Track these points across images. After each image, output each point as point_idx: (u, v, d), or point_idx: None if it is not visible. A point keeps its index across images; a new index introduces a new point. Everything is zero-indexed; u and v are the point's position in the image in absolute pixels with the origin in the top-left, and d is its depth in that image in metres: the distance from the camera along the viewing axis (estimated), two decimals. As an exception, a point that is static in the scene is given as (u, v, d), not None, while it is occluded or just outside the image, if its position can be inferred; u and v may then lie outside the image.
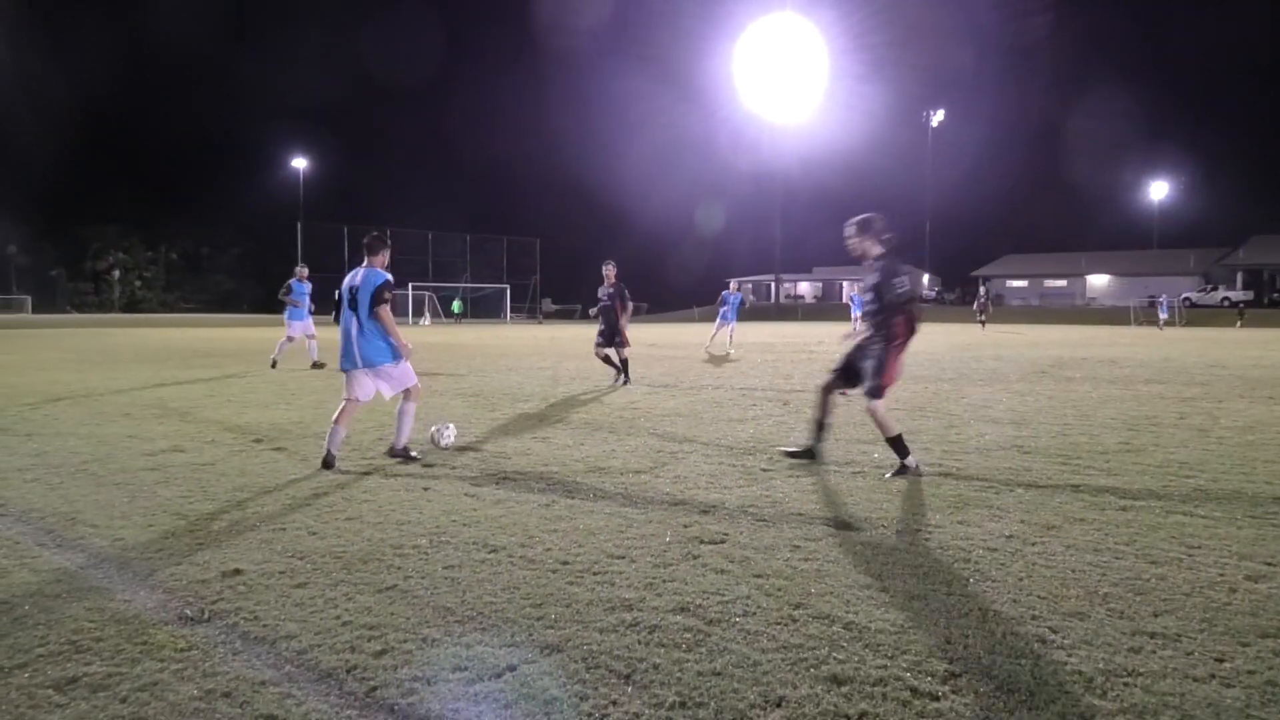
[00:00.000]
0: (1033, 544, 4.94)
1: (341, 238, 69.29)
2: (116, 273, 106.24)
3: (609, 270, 14.37)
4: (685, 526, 5.31)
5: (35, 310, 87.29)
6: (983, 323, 41.67)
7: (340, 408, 7.34)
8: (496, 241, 78.73)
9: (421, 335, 37.42)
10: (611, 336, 14.34)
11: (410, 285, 64.88)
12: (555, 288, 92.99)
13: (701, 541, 4.99)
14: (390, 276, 7.44)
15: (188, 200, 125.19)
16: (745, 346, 26.14)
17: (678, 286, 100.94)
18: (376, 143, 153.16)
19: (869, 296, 6.82)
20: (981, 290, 43.69)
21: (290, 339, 18.16)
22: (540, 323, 66.23)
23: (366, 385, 7.36)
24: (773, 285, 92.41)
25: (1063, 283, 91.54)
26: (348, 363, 7.31)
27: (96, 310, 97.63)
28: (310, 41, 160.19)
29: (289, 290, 18.15)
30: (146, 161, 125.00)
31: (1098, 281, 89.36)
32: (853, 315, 26.54)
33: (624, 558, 4.70)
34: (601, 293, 14.45)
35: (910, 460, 6.83)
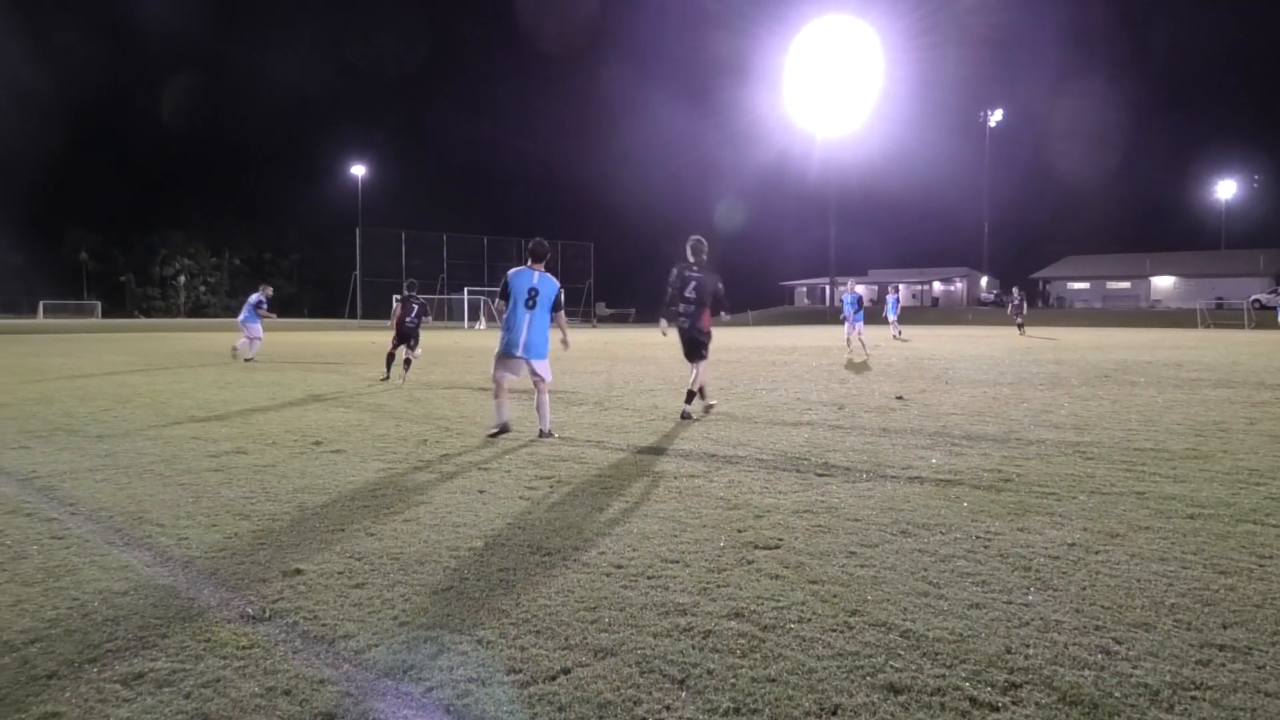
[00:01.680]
0: (1096, 552, 4.83)
1: (399, 243, 70.32)
2: (182, 278, 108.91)
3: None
4: (739, 531, 5.29)
5: (105, 315, 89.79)
6: (1020, 325, 40.06)
7: (495, 387, 9.05)
8: (551, 246, 79.37)
9: (478, 339, 37.78)
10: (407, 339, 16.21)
11: (466, 290, 65.50)
12: (609, 291, 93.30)
13: (756, 546, 4.96)
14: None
15: (251, 207, 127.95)
16: (800, 350, 25.99)
17: (731, 290, 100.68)
18: (431, 148, 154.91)
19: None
20: (1015, 292, 42.05)
21: (255, 339, 21.65)
22: (594, 327, 66.37)
23: (521, 369, 8.94)
24: (827, 289, 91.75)
25: (1126, 285, 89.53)
26: (513, 348, 8.75)
27: (163, 315, 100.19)
28: (366, 50, 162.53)
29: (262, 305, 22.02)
30: (211, 169, 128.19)
31: (1162, 283, 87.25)
32: (845, 317, 25.27)
33: (678, 562, 4.69)
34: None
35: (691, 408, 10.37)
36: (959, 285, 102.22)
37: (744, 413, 10.82)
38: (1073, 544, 4.98)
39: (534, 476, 6.97)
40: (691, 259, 10.57)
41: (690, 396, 10.55)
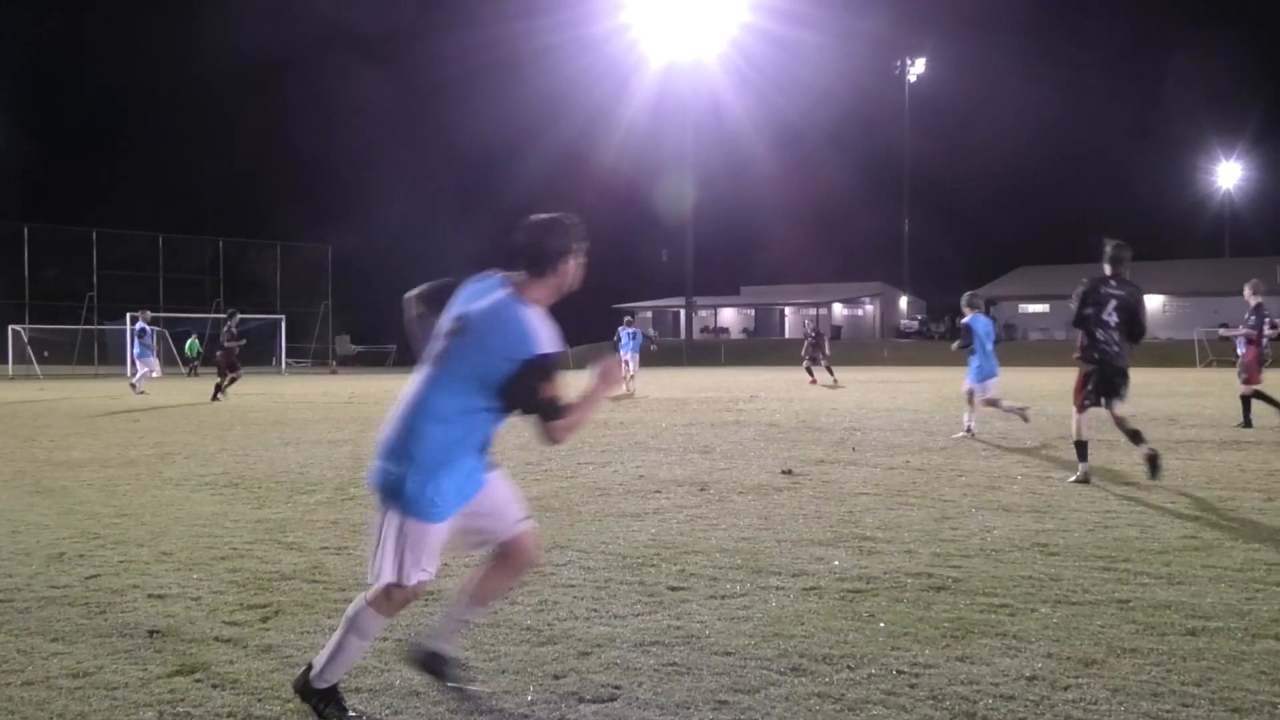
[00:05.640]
0: (1065, 688, 5.04)
1: (20, 243, 67.25)
2: None
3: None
4: (556, 678, 5.27)
5: None
6: (810, 369, 38.80)
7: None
8: (266, 249, 77.51)
9: (147, 394, 36.48)
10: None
11: (129, 316, 63.17)
12: (354, 318, 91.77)
13: (581, 699, 4.96)
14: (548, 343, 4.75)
15: None
16: (645, 404, 26.27)
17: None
18: (62, 94, 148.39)
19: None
20: (807, 322, 40.78)
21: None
22: (334, 372, 65.14)
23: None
24: (682, 315, 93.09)
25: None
26: (377, 484, 4.88)
27: None
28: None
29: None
30: None
31: (1148, 304, 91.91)
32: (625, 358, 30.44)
33: (462, 728, 4.62)
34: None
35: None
36: (870, 309, 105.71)
37: (560, 498, 10.83)
38: (1033, 677, 5.18)
39: (238, 604, 6.76)
40: (1110, 271, 11.89)
41: (1137, 436, 11.72)
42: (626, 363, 33.19)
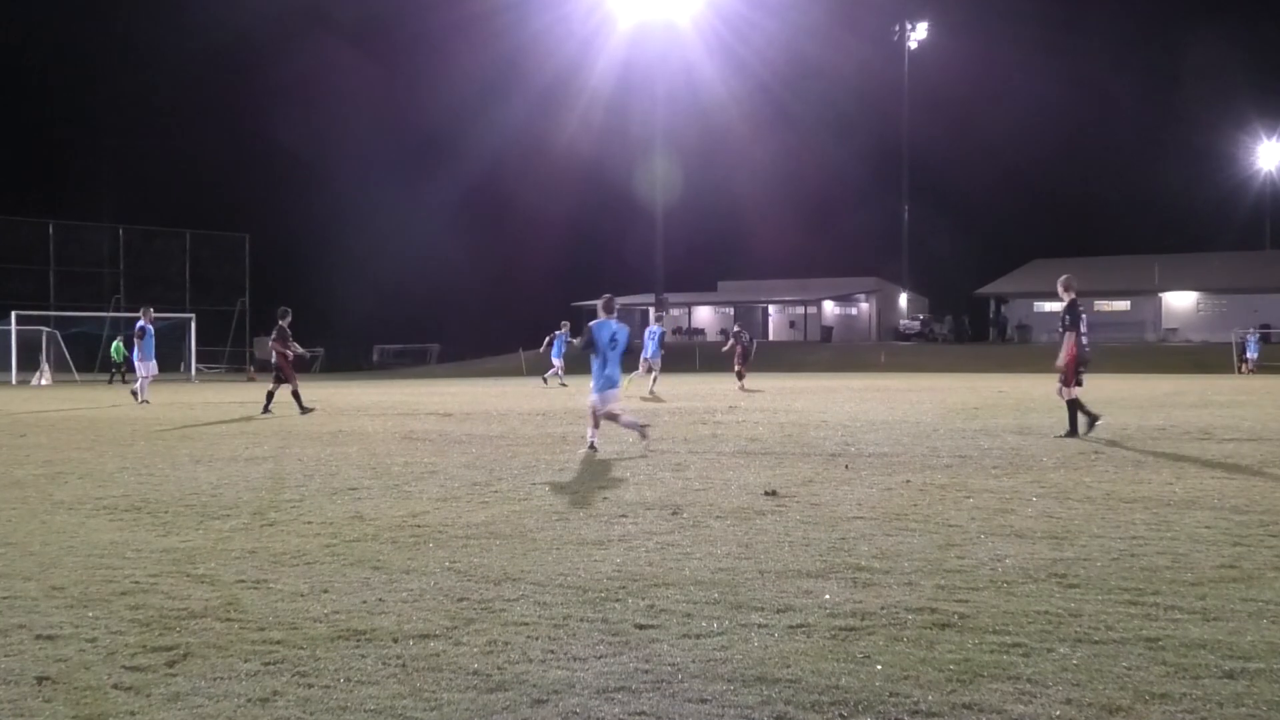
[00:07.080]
0: (1086, 738, 5.05)
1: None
2: None
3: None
4: (506, 728, 5.25)
5: None
6: (740, 373, 41.02)
7: None
8: (173, 238, 77.16)
9: (34, 402, 36.23)
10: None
11: (14, 315, 62.78)
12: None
13: (534, 753, 4.94)
14: None
15: None
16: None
17: (490, 320, 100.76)
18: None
19: None
20: (736, 327, 44.13)
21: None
22: (252, 379, 64.74)
23: None
24: (651, 314, 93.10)
25: (1124, 305, 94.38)
26: None
27: None
28: None
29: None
30: None
31: (1179, 302, 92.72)
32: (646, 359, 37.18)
33: (399, 787, 4.60)
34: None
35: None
36: (865, 307, 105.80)
37: (513, 524, 10.79)
38: (1050, 726, 5.19)
39: (140, 647, 6.70)
40: None
41: None
42: (650, 365, 37.71)
